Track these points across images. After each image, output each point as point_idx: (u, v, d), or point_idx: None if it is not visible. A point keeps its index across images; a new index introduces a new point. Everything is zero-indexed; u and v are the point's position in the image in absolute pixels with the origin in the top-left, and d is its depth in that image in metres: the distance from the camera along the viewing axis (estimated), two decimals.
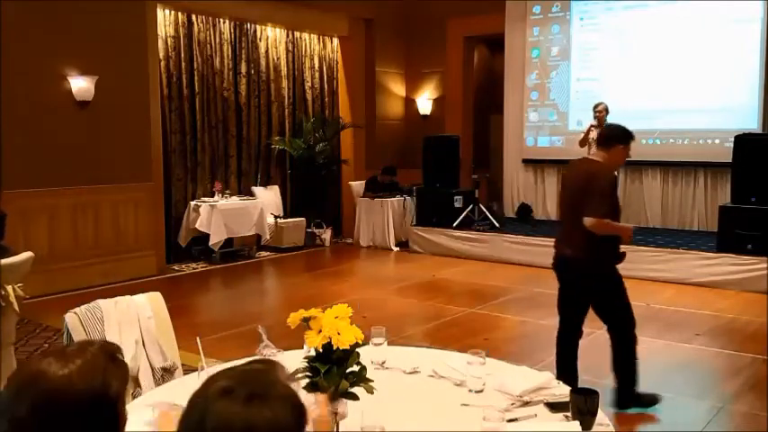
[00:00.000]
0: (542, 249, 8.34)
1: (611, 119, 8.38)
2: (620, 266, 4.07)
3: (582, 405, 2.02)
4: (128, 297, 2.97)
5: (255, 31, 9.78)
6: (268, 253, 9.40)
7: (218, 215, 8.44)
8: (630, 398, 4.01)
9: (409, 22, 11.23)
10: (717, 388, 4.52)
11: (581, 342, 5.06)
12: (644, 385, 4.29)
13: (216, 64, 9.25)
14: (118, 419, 1.27)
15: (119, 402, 1.26)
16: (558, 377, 4.00)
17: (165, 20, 8.67)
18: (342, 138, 10.92)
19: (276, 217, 9.57)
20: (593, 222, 3.77)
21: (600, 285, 3.94)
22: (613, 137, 4.00)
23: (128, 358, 2.74)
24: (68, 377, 1.21)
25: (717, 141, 8.54)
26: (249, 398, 1.06)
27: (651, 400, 4.06)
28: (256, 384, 1.10)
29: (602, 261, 3.90)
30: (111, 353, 1.30)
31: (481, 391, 2.24)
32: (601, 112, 8.30)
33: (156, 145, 8.21)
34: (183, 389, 2.03)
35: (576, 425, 1.99)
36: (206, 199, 8.78)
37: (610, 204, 3.85)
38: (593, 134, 8.39)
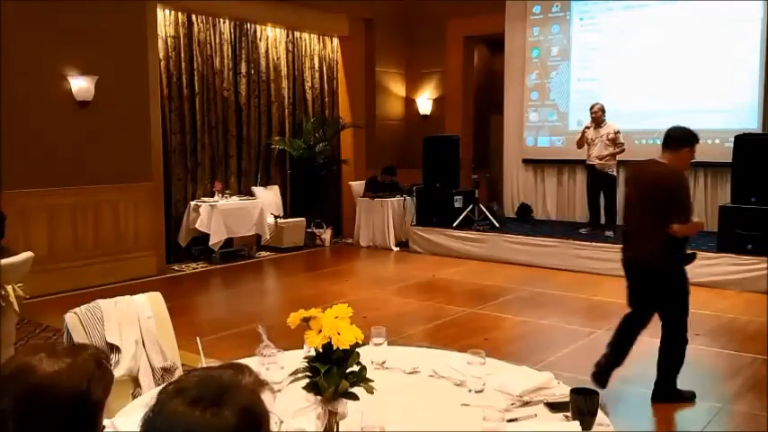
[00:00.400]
0: (542, 249, 8.38)
1: (609, 118, 8.39)
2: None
3: (582, 405, 2.02)
4: (128, 297, 2.97)
5: (255, 31, 9.78)
6: (268, 253, 9.40)
7: (218, 215, 8.44)
8: (673, 392, 4.16)
9: (409, 22, 11.23)
10: (717, 388, 4.52)
11: (581, 342, 5.06)
12: (644, 384, 4.29)
13: (216, 64, 9.25)
14: (96, 426, 1.28)
15: (99, 409, 1.28)
16: (609, 347, 4.18)
17: (165, 20, 8.67)
18: (342, 138, 10.92)
19: (276, 217, 9.57)
20: (681, 228, 3.92)
21: (670, 284, 4.07)
22: (680, 138, 4.07)
23: (128, 358, 2.75)
24: (56, 375, 1.23)
25: (717, 141, 8.53)
26: (196, 400, 1.07)
27: (690, 396, 4.22)
28: (208, 388, 1.09)
29: (675, 260, 4.04)
30: (99, 360, 1.31)
31: (481, 391, 2.24)
32: (596, 112, 8.30)
33: (156, 145, 8.20)
34: None
35: (576, 425, 1.98)
36: (206, 199, 8.78)
37: (690, 206, 4.05)
38: (591, 134, 8.39)
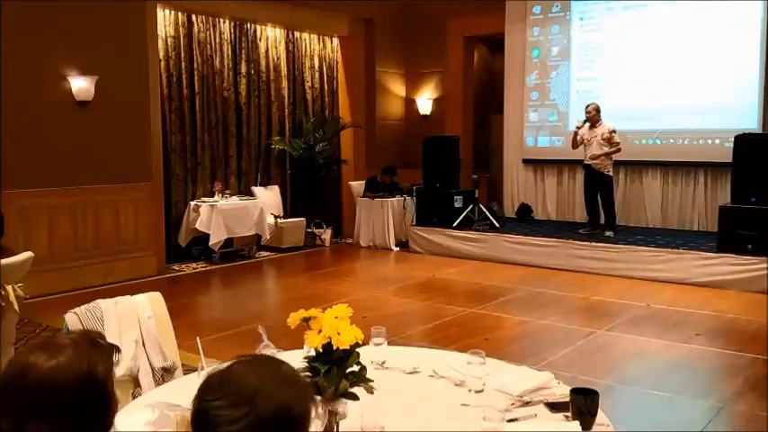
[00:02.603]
0: (542, 249, 8.38)
1: (609, 118, 8.38)
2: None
3: (582, 405, 2.02)
4: (128, 297, 2.97)
5: (255, 31, 9.78)
6: (268, 253, 9.40)
7: (218, 215, 8.44)
8: None
9: (409, 22, 11.23)
10: (717, 388, 4.52)
11: (581, 342, 5.06)
12: (644, 385, 4.29)
13: (216, 64, 9.25)
14: (109, 398, 1.31)
15: (107, 382, 1.30)
16: None
17: (165, 20, 8.67)
18: (342, 138, 10.92)
19: (276, 217, 9.57)
20: None
21: None
22: None
23: (127, 358, 2.75)
24: (56, 367, 1.25)
25: (717, 141, 8.54)
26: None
27: None
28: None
29: None
30: (91, 338, 1.35)
31: (481, 391, 2.24)
32: (590, 111, 8.30)
33: (156, 145, 8.20)
34: (182, 389, 2.02)
35: (576, 425, 1.98)
36: (206, 199, 8.78)
37: None
38: (586, 134, 8.37)
